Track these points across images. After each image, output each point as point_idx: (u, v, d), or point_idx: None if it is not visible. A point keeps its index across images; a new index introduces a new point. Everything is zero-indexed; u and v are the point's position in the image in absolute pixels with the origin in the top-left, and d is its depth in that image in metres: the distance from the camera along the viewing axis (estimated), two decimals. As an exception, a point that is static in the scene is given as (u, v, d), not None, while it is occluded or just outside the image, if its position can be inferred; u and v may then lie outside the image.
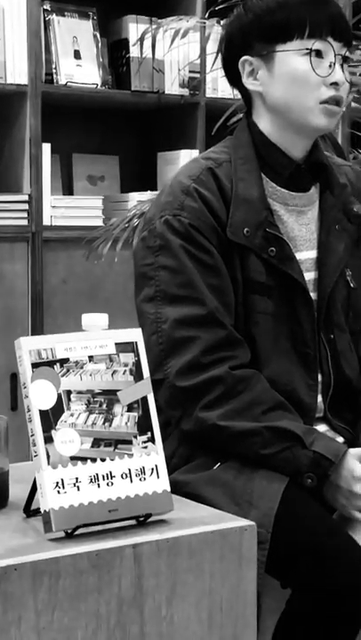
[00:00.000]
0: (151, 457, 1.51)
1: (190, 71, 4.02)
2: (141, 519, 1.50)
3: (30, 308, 3.68)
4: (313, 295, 1.91)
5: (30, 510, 1.55)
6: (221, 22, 1.96)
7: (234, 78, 1.94)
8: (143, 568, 1.44)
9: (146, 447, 1.51)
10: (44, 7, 3.78)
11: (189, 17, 3.58)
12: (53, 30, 3.80)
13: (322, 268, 1.93)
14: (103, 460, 1.47)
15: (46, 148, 3.72)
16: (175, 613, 1.47)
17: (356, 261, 1.98)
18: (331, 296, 1.93)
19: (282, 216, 1.90)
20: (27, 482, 1.54)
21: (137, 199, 3.84)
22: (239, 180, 1.86)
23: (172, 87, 4.00)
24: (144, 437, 1.51)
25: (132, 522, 1.49)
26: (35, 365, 1.46)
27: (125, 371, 1.53)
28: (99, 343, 1.52)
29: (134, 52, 3.88)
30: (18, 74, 3.65)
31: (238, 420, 1.78)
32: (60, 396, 1.47)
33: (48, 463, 1.43)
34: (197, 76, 4.01)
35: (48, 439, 1.44)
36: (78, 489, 1.44)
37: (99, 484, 1.46)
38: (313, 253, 1.93)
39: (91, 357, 1.51)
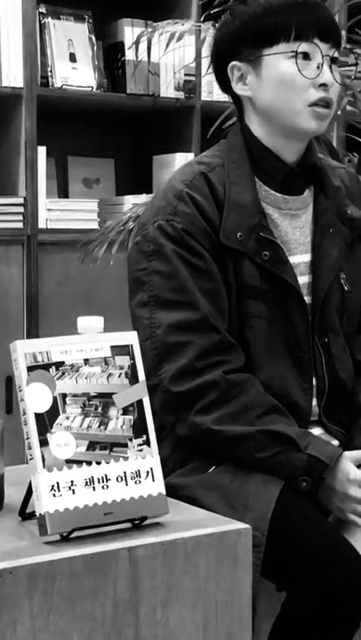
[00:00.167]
0: (146, 460, 1.51)
1: (186, 74, 4.02)
2: (137, 522, 1.50)
3: (26, 311, 3.68)
4: (307, 299, 1.91)
5: (26, 513, 1.55)
6: (217, 26, 1.96)
7: (224, 84, 1.94)
8: (139, 571, 1.44)
9: (141, 450, 1.51)
10: (40, 10, 3.78)
11: (185, 20, 3.58)
12: (49, 33, 3.80)
13: (316, 271, 1.93)
14: (99, 463, 1.47)
15: (42, 150, 3.72)
16: (170, 616, 1.47)
17: (351, 264, 1.99)
18: (325, 300, 1.93)
19: (275, 220, 1.91)
20: (22, 485, 1.54)
21: (132, 202, 3.84)
22: (232, 184, 1.86)
23: (168, 90, 4.01)
24: (139, 440, 1.51)
25: (128, 525, 1.49)
26: (30, 368, 1.46)
27: (121, 374, 1.53)
28: (94, 346, 1.52)
29: (130, 55, 3.88)
30: (13, 77, 3.65)
31: (233, 425, 1.78)
32: (55, 400, 1.47)
33: (43, 466, 1.43)
34: (193, 79, 4.02)
35: (43, 442, 1.44)
36: (74, 492, 1.44)
37: (94, 487, 1.46)
38: (307, 257, 1.94)
39: (86, 360, 1.51)
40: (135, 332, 1.56)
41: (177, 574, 1.47)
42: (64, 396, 1.47)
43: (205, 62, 3.51)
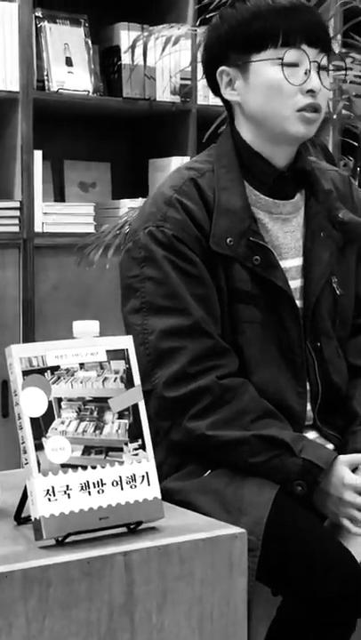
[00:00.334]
0: (142, 464, 1.51)
1: (182, 78, 4.02)
2: (132, 527, 1.50)
3: (21, 315, 3.67)
4: (299, 303, 1.91)
5: (21, 518, 1.55)
6: (206, 30, 1.97)
7: (215, 88, 1.94)
8: (134, 575, 1.44)
9: (137, 454, 1.51)
10: (36, 14, 3.78)
11: (181, 24, 3.59)
12: (45, 37, 3.80)
13: (307, 275, 1.93)
14: (94, 467, 1.47)
15: (38, 154, 3.72)
16: (166, 621, 1.47)
17: (343, 268, 1.98)
18: (317, 304, 1.93)
19: (266, 224, 1.91)
20: (17, 489, 1.54)
21: (128, 206, 3.84)
22: (222, 189, 1.86)
23: (164, 94, 4.01)
24: (135, 445, 1.51)
25: (123, 529, 1.49)
26: (25, 373, 1.46)
27: (116, 378, 1.53)
28: (90, 350, 1.52)
29: (126, 59, 3.89)
30: (9, 81, 3.65)
31: (227, 430, 1.78)
32: (50, 404, 1.47)
33: (39, 471, 1.43)
34: (189, 83, 4.02)
35: (39, 447, 1.44)
36: (69, 496, 1.44)
37: (89, 492, 1.46)
38: (299, 261, 1.93)
39: (82, 365, 1.51)
40: (131, 337, 1.57)
41: (172, 579, 1.47)
42: (59, 400, 1.47)
43: (201, 66, 3.51)
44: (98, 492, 1.47)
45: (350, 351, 2.02)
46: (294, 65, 1.84)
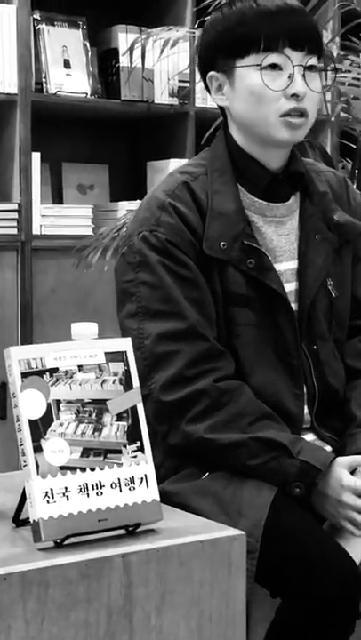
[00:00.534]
0: (140, 466, 1.51)
1: (180, 81, 4.02)
2: (131, 529, 1.50)
3: (19, 317, 3.67)
4: (294, 306, 1.91)
5: (19, 520, 1.55)
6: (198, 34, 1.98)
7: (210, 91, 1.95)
8: (132, 577, 1.44)
9: (135, 456, 1.51)
10: (34, 16, 3.78)
11: (179, 27, 3.59)
12: (43, 39, 3.80)
13: (302, 278, 1.93)
14: (93, 469, 1.47)
15: (36, 157, 3.72)
16: (164, 623, 1.47)
17: (338, 270, 1.98)
18: (312, 306, 1.93)
19: (260, 227, 1.91)
20: (16, 491, 1.54)
21: (126, 208, 3.84)
22: (215, 192, 1.87)
23: (162, 96, 4.01)
24: (133, 447, 1.51)
25: (122, 531, 1.49)
26: (24, 375, 1.46)
27: (115, 380, 1.53)
28: (88, 352, 1.52)
29: (124, 61, 3.89)
30: (7, 83, 3.65)
31: (224, 433, 1.78)
32: (49, 406, 1.47)
33: (37, 473, 1.43)
34: (187, 85, 4.02)
35: (37, 449, 1.44)
36: (68, 499, 1.44)
37: (88, 494, 1.46)
38: (293, 264, 1.93)
39: (80, 367, 1.51)
40: (129, 339, 1.57)
41: (171, 581, 1.47)
42: (58, 402, 1.47)
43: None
44: (96, 494, 1.47)
45: (347, 353, 2.01)
46: (278, 69, 1.83)
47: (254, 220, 1.90)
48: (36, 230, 3.72)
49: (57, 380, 1.48)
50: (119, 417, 1.51)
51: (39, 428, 1.45)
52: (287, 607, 1.71)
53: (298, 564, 1.69)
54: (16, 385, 1.45)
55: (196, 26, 3.63)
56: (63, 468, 1.45)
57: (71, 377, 1.49)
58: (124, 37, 3.92)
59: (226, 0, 1.90)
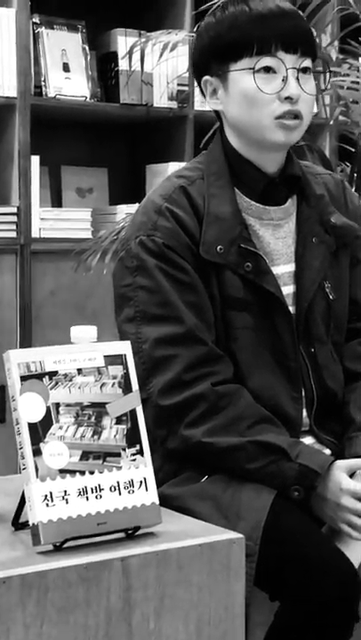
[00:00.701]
0: (140, 469, 1.51)
1: (179, 84, 4.03)
2: (130, 532, 1.50)
3: (19, 321, 3.67)
4: (292, 309, 1.91)
5: (19, 523, 1.55)
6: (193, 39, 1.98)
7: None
8: (131, 581, 1.44)
9: (134, 460, 1.51)
10: (33, 20, 3.79)
11: (178, 30, 3.59)
12: (42, 43, 3.81)
13: (299, 281, 1.93)
14: (92, 472, 1.47)
15: (35, 160, 3.72)
16: (163, 626, 1.47)
17: (335, 272, 1.98)
18: (309, 309, 1.92)
19: (257, 231, 1.91)
20: (15, 494, 1.54)
21: (125, 211, 3.84)
22: (211, 196, 1.87)
23: (161, 100, 4.01)
24: (133, 450, 1.51)
25: (121, 535, 1.49)
26: (23, 378, 1.46)
27: (114, 383, 1.53)
28: (87, 356, 1.52)
29: (123, 64, 3.89)
30: (7, 87, 3.65)
31: (223, 436, 1.78)
32: (48, 409, 1.47)
33: (37, 476, 1.43)
34: (186, 88, 4.02)
35: (37, 452, 1.44)
36: (67, 502, 1.44)
37: (87, 497, 1.46)
38: (291, 267, 1.93)
39: (79, 370, 1.51)
40: (128, 342, 1.57)
41: (170, 584, 1.47)
42: (57, 405, 1.47)
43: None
44: (96, 497, 1.47)
45: (346, 355, 2.01)
46: (272, 72, 1.83)
47: (251, 223, 1.90)
48: (35, 233, 3.72)
49: (56, 383, 1.48)
50: (118, 420, 1.51)
51: (38, 431, 1.45)
52: (286, 610, 1.71)
53: (296, 566, 1.69)
54: (15, 388, 1.45)
55: (195, 29, 3.63)
56: (62, 472, 1.45)
57: (70, 380, 1.49)
58: (124, 41, 3.92)
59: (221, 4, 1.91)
